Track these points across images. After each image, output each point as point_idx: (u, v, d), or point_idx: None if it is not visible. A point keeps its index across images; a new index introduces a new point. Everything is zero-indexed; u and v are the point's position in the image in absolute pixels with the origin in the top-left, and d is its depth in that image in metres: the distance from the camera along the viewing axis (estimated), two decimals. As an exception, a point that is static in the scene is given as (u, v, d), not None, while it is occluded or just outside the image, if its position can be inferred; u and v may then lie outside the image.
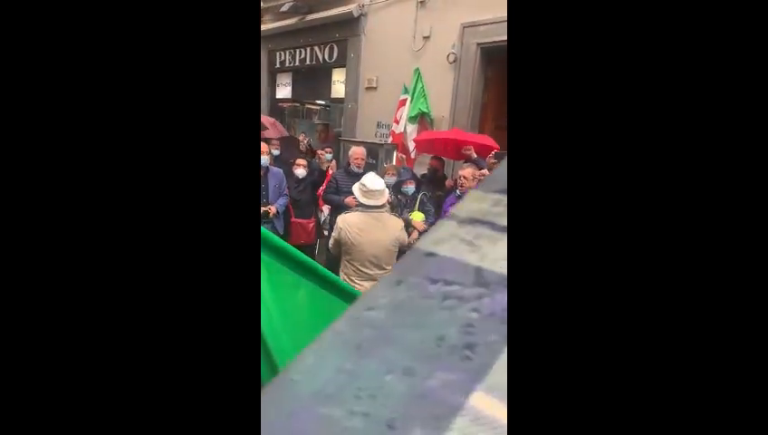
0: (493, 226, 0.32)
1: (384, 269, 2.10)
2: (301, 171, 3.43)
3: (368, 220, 2.09)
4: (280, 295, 0.82)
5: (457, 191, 2.87)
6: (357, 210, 2.14)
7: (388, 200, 2.28)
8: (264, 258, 0.80)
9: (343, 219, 2.10)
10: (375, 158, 4.48)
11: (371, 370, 0.24)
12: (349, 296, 1.00)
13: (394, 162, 4.46)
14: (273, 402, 0.24)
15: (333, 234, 2.15)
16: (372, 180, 2.14)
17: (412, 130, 4.44)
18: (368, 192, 2.09)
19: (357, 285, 2.02)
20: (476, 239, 0.31)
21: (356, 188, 2.15)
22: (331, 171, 3.87)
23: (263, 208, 2.93)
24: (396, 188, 2.98)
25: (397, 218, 2.29)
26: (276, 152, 3.79)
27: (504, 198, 0.34)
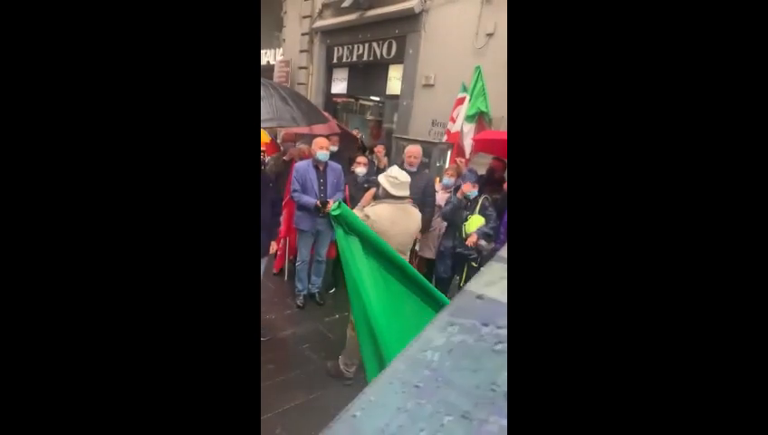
0: None
1: (405, 254, 2.25)
2: (361, 170, 3.38)
3: (396, 211, 2.20)
4: (392, 303, 0.80)
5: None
6: (384, 202, 2.22)
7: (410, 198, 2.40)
8: (379, 266, 0.78)
9: (374, 211, 2.17)
10: (428, 157, 4.42)
11: (430, 411, 0.26)
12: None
13: (447, 162, 4.37)
14: None
15: None
16: (400, 172, 2.25)
17: (469, 129, 4.31)
18: (398, 184, 2.19)
19: None
20: None
21: (384, 179, 2.23)
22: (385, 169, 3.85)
23: (319, 202, 2.95)
24: (455, 190, 2.91)
25: (415, 208, 2.40)
26: (334, 148, 3.81)
27: None
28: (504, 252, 0.37)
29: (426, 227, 3.15)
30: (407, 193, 2.25)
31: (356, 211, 2.25)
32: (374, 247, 0.76)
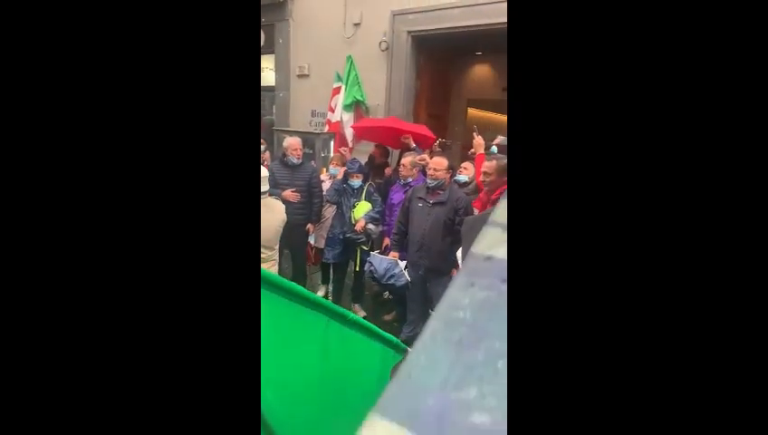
0: None
1: (272, 250, 2.23)
2: None
3: None
4: None
5: (401, 180, 2.94)
6: None
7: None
8: None
9: None
10: (312, 147, 4.41)
11: (482, 359, 0.28)
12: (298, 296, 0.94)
13: (332, 151, 4.42)
14: (399, 396, 0.28)
15: None
16: None
17: (348, 118, 4.42)
18: None
19: None
20: None
21: None
22: (266, 163, 3.73)
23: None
24: (342, 179, 2.98)
25: (278, 201, 2.39)
26: None
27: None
28: (495, 216, 0.37)
29: (317, 217, 3.17)
30: (264, 187, 2.19)
31: None
32: None
